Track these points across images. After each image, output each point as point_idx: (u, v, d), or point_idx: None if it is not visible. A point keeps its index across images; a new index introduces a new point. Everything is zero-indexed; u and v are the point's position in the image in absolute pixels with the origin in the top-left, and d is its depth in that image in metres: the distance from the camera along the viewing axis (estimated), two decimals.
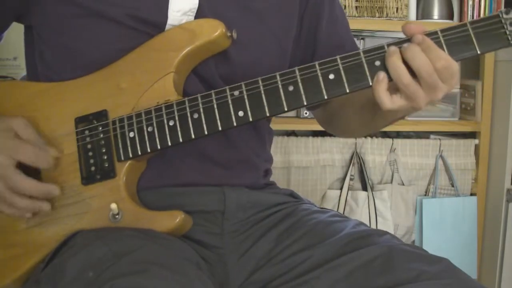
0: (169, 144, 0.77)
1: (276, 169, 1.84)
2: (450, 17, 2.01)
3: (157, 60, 0.79)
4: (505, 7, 2.00)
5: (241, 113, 0.75)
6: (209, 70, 0.83)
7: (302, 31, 0.94)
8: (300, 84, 0.74)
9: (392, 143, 1.93)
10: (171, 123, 0.77)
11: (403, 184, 1.94)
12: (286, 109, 0.75)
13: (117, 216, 0.77)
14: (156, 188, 0.83)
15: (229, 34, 0.80)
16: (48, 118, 0.82)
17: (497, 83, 1.96)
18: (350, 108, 0.92)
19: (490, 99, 1.97)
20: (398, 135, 2.03)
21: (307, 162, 1.88)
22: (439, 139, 1.98)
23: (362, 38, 1.93)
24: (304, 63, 0.87)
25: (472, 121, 2.01)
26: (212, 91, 0.77)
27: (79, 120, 0.81)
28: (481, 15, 2.03)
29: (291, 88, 0.74)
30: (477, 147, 2.00)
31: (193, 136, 0.76)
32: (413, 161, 1.95)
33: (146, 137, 0.77)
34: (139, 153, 0.77)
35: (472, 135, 2.02)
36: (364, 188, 1.91)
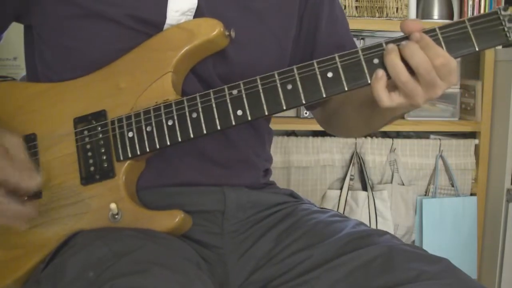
0: (168, 143, 0.77)
1: (276, 169, 1.84)
2: (450, 17, 2.01)
3: (156, 60, 0.79)
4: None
5: (239, 112, 0.75)
6: (207, 70, 0.83)
7: (301, 31, 0.94)
8: (298, 83, 0.74)
9: (392, 143, 1.93)
10: (170, 122, 0.77)
11: (403, 184, 1.94)
12: (284, 108, 0.75)
13: (116, 216, 0.77)
14: (155, 187, 0.83)
15: (227, 33, 0.80)
16: (47, 119, 0.82)
17: (497, 83, 1.96)
18: (349, 106, 0.92)
19: (490, 99, 1.97)
20: (398, 135, 2.03)
21: (307, 162, 1.88)
22: (439, 139, 1.98)
23: (362, 38, 1.93)
24: (303, 63, 0.87)
25: (472, 121, 2.01)
26: (211, 90, 0.76)
27: (78, 121, 0.81)
28: None
29: (289, 86, 0.74)
30: (477, 147, 2.00)
31: (192, 136, 0.76)
32: (413, 161, 1.95)
33: (145, 137, 0.77)
34: (138, 153, 0.77)
35: (472, 135, 2.02)
36: (364, 188, 1.91)
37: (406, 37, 0.72)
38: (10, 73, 1.71)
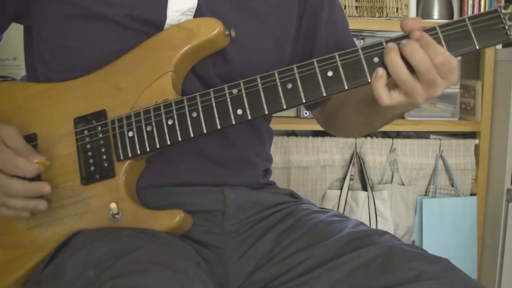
0: (168, 143, 0.77)
1: (276, 169, 1.84)
2: (450, 17, 2.01)
3: (156, 60, 0.79)
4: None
5: (239, 111, 0.75)
6: (207, 70, 0.83)
7: (301, 31, 0.94)
8: (298, 82, 0.74)
9: (392, 143, 1.93)
10: (170, 122, 0.77)
11: (403, 184, 1.94)
12: (284, 107, 0.75)
13: (116, 216, 0.77)
14: (155, 187, 0.83)
15: (227, 32, 0.80)
16: (47, 119, 0.82)
17: (497, 83, 1.96)
18: (349, 105, 0.92)
19: (490, 99, 1.97)
20: (398, 135, 2.03)
21: (307, 162, 1.88)
22: (439, 139, 1.98)
23: (362, 38, 1.93)
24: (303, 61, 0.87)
25: (472, 121, 2.01)
26: (211, 89, 0.76)
27: (78, 120, 0.81)
28: None
29: (289, 85, 0.74)
30: (477, 147, 2.00)
31: (192, 135, 0.76)
32: (413, 161, 1.95)
33: (145, 137, 0.77)
34: (138, 152, 0.77)
35: (472, 135, 2.02)
36: (364, 188, 1.91)
37: (406, 36, 0.72)
38: (10, 73, 1.71)
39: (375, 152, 1.92)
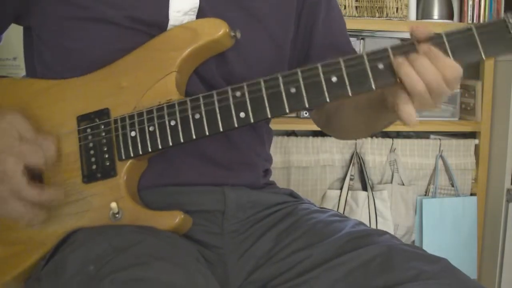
0: (170, 144, 0.76)
1: (276, 169, 1.84)
2: (450, 17, 2.01)
3: (159, 60, 0.79)
4: (505, 6, 2.01)
5: (242, 115, 0.75)
6: (210, 71, 0.83)
7: (299, 30, 0.94)
8: (302, 86, 0.73)
9: (392, 143, 1.93)
10: (173, 123, 0.76)
11: (403, 184, 1.94)
12: (287, 111, 0.74)
13: (117, 215, 0.77)
14: (156, 187, 0.83)
15: (232, 33, 0.79)
16: (50, 116, 0.82)
17: (497, 83, 1.97)
18: (348, 109, 0.91)
19: (490, 99, 1.97)
20: (398, 135, 2.04)
21: (307, 162, 1.88)
22: (439, 139, 1.98)
23: (362, 38, 1.93)
24: (299, 63, 0.86)
25: (472, 121, 2.01)
26: (214, 91, 0.76)
27: (81, 119, 0.80)
28: (481, 15, 2.03)
29: (293, 89, 0.73)
30: (477, 147, 2.00)
31: (194, 137, 0.76)
32: (413, 161, 1.95)
33: (148, 137, 0.77)
34: (140, 152, 0.77)
35: (472, 135, 2.02)
36: (364, 188, 1.91)
37: (412, 43, 0.71)
38: (10, 73, 1.71)
39: (375, 152, 1.92)
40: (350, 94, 0.72)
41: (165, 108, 0.77)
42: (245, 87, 0.75)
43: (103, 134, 0.79)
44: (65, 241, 0.76)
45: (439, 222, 1.96)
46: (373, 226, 1.87)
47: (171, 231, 0.77)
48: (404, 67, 0.69)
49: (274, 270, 0.81)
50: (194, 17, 0.82)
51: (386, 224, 1.90)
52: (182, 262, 0.67)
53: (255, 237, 0.86)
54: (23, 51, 0.92)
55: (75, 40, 0.81)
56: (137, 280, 0.61)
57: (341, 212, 1.85)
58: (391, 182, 1.92)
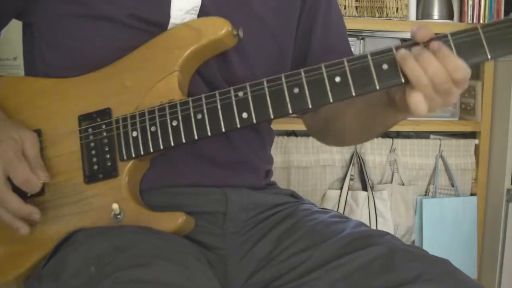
0: (172, 144, 0.76)
1: (276, 169, 1.83)
2: (450, 17, 2.01)
3: (162, 59, 0.79)
4: (505, 6, 2.00)
5: (245, 115, 0.74)
6: (212, 72, 0.83)
7: (299, 30, 0.93)
8: (305, 87, 0.72)
9: (392, 143, 1.93)
10: (175, 123, 0.76)
11: (403, 184, 1.94)
12: (290, 112, 0.73)
13: (118, 216, 0.77)
14: (158, 188, 0.83)
15: (235, 32, 0.79)
16: (52, 115, 0.82)
17: (497, 83, 1.97)
18: (348, 112, 0.89)
19: (490, 99, 1.97)
20: (398, 135, 2.03)
21: (307, 162, 1.88)
22: (439, 139, 1.98)
23: (362, 38, 1.93)
24: (298, 63, 0.86)
25: (472, 121, 2.01)
26: (216, 91, 0.76)
27: (83, 118, 0.80)
28: (481, 15, 2.03)
29: (296, 90, 0.73)
30: (477, 147, 2.00)
31: (196, 137, 0.75)
32: (413, 161, 1.95)
33: (149, 137, 0.77)
34: (142, 153, 0.77)
35: (472, 135, 2.02)
36: (364, 188, 1.91)
37: (416, 43, 0.70)
38: (10, 73, 1.71)
39: (375, 152, 1.92)
40: (354, 94, 0.72)
41: (167, 108, 0.77)
42: (248, 87, 0.74)
43: (105, 134, 0.79)
44: (66, 240, 0.76)
45: (439, 222, 1.96)
46: (373, 226, 1.87)
47: (173, 232, 0.77)
48: (408, 61, 0.69)
49: (275, 271, 0.81)
50: (195, 15, 0.82)
51: (386, 224, 1.90)
52: (183, 262, 0.67)
53: (256, 238, 0.85)
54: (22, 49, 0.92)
55: (76, 39, 0.81)
56: (138, 281, 0.61)
57: (341, 212, 1.85)
58: (391, 182, 1.92)
